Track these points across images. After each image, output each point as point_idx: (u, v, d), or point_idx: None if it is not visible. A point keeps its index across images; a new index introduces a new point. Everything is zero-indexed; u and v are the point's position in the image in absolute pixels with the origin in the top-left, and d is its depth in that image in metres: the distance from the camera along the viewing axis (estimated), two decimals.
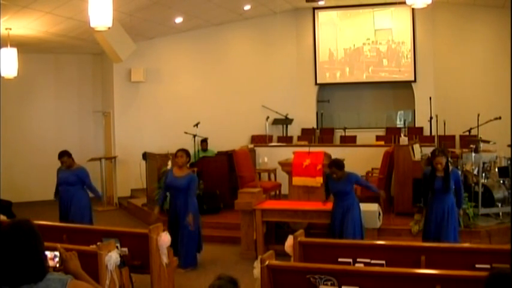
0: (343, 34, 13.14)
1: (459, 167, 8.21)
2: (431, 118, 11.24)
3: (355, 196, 6.52)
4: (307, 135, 12.58)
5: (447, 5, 12.20)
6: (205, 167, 9.90)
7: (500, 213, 8.22)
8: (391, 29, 12.82)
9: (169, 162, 9.14)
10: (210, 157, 10.33)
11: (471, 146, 8.59)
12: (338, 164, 6.43)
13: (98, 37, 9.60)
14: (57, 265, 2.67)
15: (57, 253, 2.68)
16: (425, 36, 12.52)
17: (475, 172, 8.34)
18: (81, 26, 9.13)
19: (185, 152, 6.99)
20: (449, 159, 6.20)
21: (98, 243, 4.67)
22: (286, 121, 12.94)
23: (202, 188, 9.33)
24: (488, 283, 2.36)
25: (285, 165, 8.88)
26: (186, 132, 10.22)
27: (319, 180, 8.33)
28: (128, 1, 9.04)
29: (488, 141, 8.74)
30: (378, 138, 12.04)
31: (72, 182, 7.14)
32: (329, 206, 6.66)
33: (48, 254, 2.74)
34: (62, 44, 10.97)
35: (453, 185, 6.08)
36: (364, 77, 13.16)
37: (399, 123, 13.02)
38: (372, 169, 9.68)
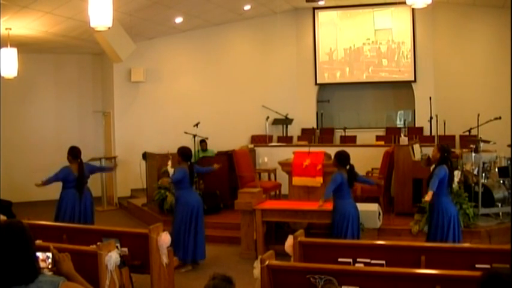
0: (343, 34, 13.14)
1: (459, 167, 8.21)
2: (431, 118, 11.25)
3: (337, 200, 6.19)
4: (307, 135, 12.58)
5: (447, 5, 12.20)
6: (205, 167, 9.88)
7: (500, 213, 8.21)
8: (391, 29, 12.82)
9: (169, 162, 9.13)
10: (210, 157, 10.33)
11: (471, 146, 8.59)
12: (335, 156, 6.24)
13: (98, 37, 9.59)
14: (50, 266, 2.65)
15: (49, 254, 2.66)
16: (425, 36, 12.52)
17: (475, 172, 8.33)
18: (81, 26, 9.13)
19: (178, 151, 7.09)
20: (451, 160, 6.14)
21: (98, 243, 4.67)
22: (286, 121, 12.94)
23: (202, 188, 9.34)
24: (483, 283, 2.36)
25: (285, 165, 8.87)
26: (186, 132, 10.23)
27: (319, 180, 8.33)
28: (127, 1, 9.04)
29: (488, 141, 8.74)
30: (378, 138, 12.04)
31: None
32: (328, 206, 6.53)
33: (40, 255, 2.72)
34: (62, 44, 10.97)
35: (435, 181, 5.76)
36: (364, 77, 13.16)
37: (399, 123, 13.01)
38: (372, 169, 9.68)
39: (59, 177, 7.07)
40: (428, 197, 5.74)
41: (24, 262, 2.24)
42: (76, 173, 7.06)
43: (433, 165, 6.02)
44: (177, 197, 7.09)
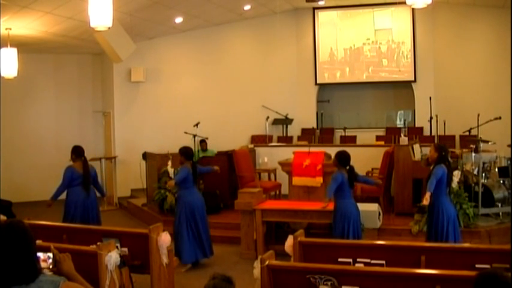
0: (343, 34, 13.15)
1: (459, 167, 8.21)
2: (431, 118, 11.25)
3: (338, 200, 6.15)
4: (307, 135, 12.58)
5: (447, 5, 12.20)
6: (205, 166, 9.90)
7: (500, 213, 8.21)
8: (391, 29, 12.82)
9: (169, 162, 9.14)
10: (210, 157, 10.33)
11: (471, 146, 8.59)
12: (336, 156, 6.21)
13: (98, 37, 9.60)
14: (51, 266, 2.66)
15: (50, 254, 2.67)
16: (425, 36, 12.52)
17: (475, 172, 8.34)
18: (81, 26, 9.13)
19: (180, 151, 7.06)
20: (449, 159, 6.14)
21: (98, 243, 4.67)
22: (286, 121, 12.94)
23: (202, 188, 9.35)
24: (477, 284, 2.36)
25: (285, 165, 8.88)
26: (186, 132, 10.23)
27: (319, 180, 8.33)
28: (127, 1, 9.04)
29: (488, 141, 8.74)
30: (378, 138, 12.04)
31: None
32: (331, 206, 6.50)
33: (41, 255, 2.73)
34: (62, 44, 10.98)
35: (433, 181, 5.76)
36: (364, 77, 13.16)
37: (399, 123, 13.03)
38: (372, 169, 9.68)
39: (65, 183, 7.00)
40: (426, 201, 5.74)
41: (25, 262, 2.24)
42: (81, 171, 7.04)
43: (433, 165, 6.01)
44: (179, 196, 7.05)
